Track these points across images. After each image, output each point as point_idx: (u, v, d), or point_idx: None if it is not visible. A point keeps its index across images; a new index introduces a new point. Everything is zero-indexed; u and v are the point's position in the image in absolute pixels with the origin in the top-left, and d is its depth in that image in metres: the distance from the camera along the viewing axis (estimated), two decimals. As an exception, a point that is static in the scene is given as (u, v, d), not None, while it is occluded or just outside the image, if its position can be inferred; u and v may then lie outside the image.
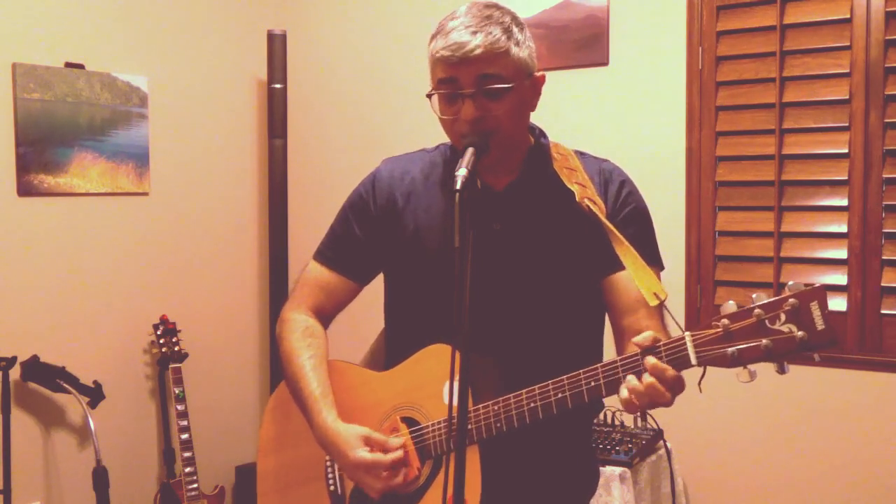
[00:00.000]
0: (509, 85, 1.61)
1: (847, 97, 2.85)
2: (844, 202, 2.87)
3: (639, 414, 2.97)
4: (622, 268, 1.63)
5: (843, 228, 2.87)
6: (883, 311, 2.82)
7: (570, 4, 3.31)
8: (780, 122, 2.95)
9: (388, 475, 1.66)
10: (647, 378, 1.44)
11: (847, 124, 2.86)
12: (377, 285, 1.90)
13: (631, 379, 1.46)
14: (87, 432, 3.25)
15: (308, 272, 1.90)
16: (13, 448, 3.10)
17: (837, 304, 2.87)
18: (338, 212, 1.91)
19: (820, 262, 2.92)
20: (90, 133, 3.41)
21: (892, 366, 2.83)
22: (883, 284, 2.82)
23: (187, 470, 3.43)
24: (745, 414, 3.04)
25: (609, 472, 2.70)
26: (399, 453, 1.67)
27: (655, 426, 2.96)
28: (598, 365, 1.52)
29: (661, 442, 2.94)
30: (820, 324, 1.33)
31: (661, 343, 1.45)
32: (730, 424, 3.08)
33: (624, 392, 1.47)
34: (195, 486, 3.45)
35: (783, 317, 1.35)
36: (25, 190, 3.23)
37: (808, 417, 2.94)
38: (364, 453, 1.67)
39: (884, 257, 2.82)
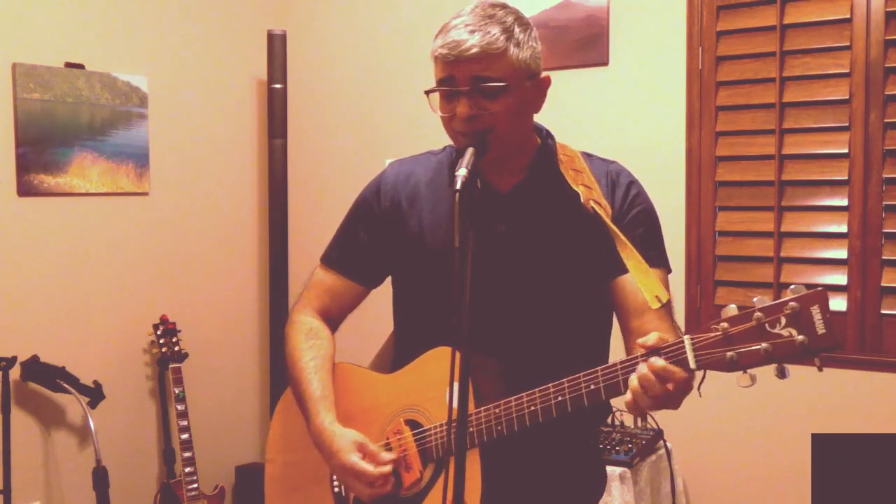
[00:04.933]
0: (503, 84, 1.60)
1: (847, 97, 2.85)
2: (844, 202, 2.87)
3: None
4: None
5: (843, 228, 2.87)
6: (883, 311, 2.82)
7: (570, 4, 3.31)
8: (780, 122, 2.95)
9: (376, 486, 1.67)
10: (647, 375, 1.42)
11: (847, 124, 2.86)
12: (388, 287, 1.91)
13: (633, 379, 1.44)
14: (87, 432, 3.25)
15: (314, 275, 1.92)
16: (13, 448, 3.10)
17: (837, 304, 2.86)
18: (345, 215, 1.91)
19: (820, 262, 2.92)
20: (90, 133, 3.41)
21: (892, 366, 2.83)
22: (883, 284, 2.82)
23: (187, 470, 3.43)
24: (746, 414, 3.04)
25: (609, 472, 2.69)
26: (388, 468, 1.67)
27: (655, 426, 2.96)
28: (598, 368, 1.52)
29: (661, 442, 2.94)
30: (821, 328, 1.32)
31: (661, 346, 1.44)
32: (730, 424, 3.08)
33: (629, 394, 1.45)
34: (195, 486, 3.45)
35: (783, 320, 1.34)
36: (25, 190, 3.23)
37: (809, 417, 2.94)
38: (356, 458, 1.68)
39: (884, 257, 2.82)
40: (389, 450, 1.74)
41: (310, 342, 1.85)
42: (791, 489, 2.98)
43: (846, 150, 2.86)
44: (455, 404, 1.42)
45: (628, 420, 3.00)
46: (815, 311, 1.32)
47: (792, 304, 1.33)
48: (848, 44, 2.84)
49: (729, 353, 1.37)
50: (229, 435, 3.94)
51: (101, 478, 3.13)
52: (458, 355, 1.41)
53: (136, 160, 3.55)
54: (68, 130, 3.34)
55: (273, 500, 1.96)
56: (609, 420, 3.00)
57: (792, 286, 1.35)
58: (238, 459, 3.92)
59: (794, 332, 1.33)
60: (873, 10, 2.80)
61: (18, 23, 3.21)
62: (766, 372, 1.41)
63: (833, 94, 2.88)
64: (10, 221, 3.20)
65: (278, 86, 3.86)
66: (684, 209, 3.12)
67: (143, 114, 3.57)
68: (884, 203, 2.81)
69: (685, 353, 1.42)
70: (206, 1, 3.81)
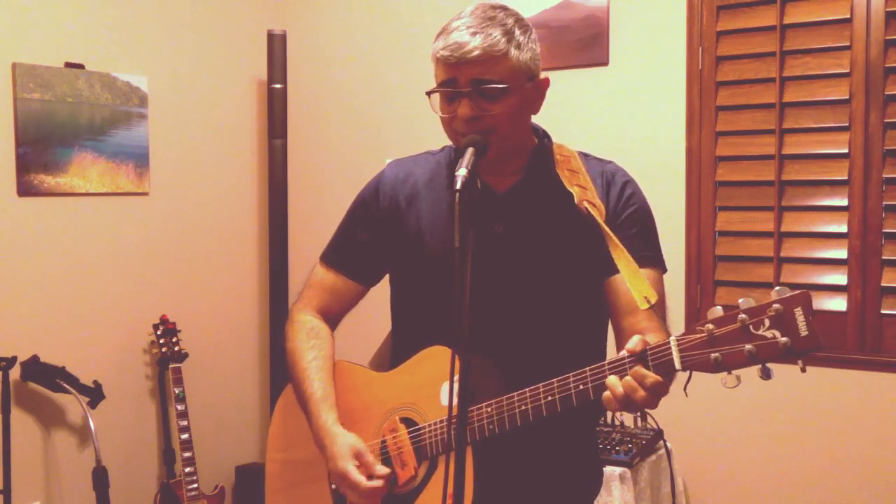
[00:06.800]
0: (505, 86, 1.62)
1: (847, 97, 2.85)
2: (844, 202, 2.86)
3: (639, 414, 2.97)
4: None
5: (843, 228, 2.86)
6: (883, 311, 2.82)
7: (570, 4, 3.31)
8: (780, 122, 2.95)
9: (365, 497, 1.69)
10: (627, 380, 1.45)
11: (847, 124, 2.85)
12: (386, 286, 1.91)
13: (611, 378, 1.47)
14: (87, 432, 3.25)
15: (314, 274, 1.93)
16: (13, 448, 3.10)
17: (837, 304, 2.87)
18: (344, 214, 1.92)
19: (820, 262, 2.92)
20: (90, 133, 3.41)
21: (892, 366, 2.82)
22: (883, 284, 2.81)
23: (187, 470, 3.43)
24: (745, 414, 3.04)
25: (609, 472, 2.70)
26: (378, 483, 1.69)
27: (655, 426, 2.96)
28: (587, 368, 1.52)
29: (661, 442, 2.94)
30: (804, 330, 1.33)
31: (647, 347, 1.45)
32: (730, 424, 3.08)
33: (605, 392, 1.47)
34: (195, 486, 3.46)
35: (767, 322, 1.35)
36: (25, 190, 3.23)
37: (808, 417, 2.94)
38: (350, 467, 1.70)
39: (884, 257, 2.82)
40: (386, 450, 1.75)
41: (311, 342, 1.86)
42: (791, 489, 2.98)
43: (846, 150, 2.86)
44: (454, 402, 1.42)
45: (628, 420, 3.00)
46: (799, 313, 1.33)
47: (776, 305, 1.34)
48: (848, 44, 2.84)
49: (713, 355, 1.38)
50: (229, 435, 3.94)
51: (101, 478, 3.14)
52: (457, 355, 1.41)
53: (136, 160, 3.55)
54: (68, 130, 3.34)
55: (273, 496, 1.98)
56: (609, 420, 3.00)
57: (777, 288, 1.35)
58: (238, 459, 3.93)
59: (777, 333, 1.34)
60: (873, 10, 2.79)
61: (18, 23, 3.21)
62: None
63: (833, 94, 2.87)
64: (10, 221, 3.21)
65: (278, 86, 3.87)
66: (684, 209, 3.12)
67: (143, 114, 3.57)
68: (884, 203, 2.81)
69: (671, 354, 1.43)
70: (206, 1, 3.82)
